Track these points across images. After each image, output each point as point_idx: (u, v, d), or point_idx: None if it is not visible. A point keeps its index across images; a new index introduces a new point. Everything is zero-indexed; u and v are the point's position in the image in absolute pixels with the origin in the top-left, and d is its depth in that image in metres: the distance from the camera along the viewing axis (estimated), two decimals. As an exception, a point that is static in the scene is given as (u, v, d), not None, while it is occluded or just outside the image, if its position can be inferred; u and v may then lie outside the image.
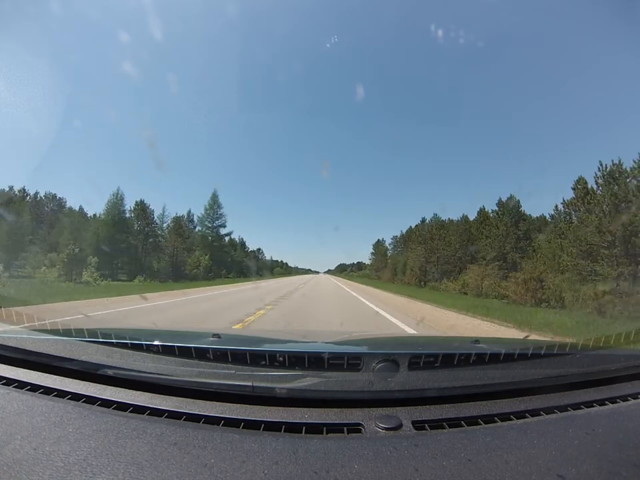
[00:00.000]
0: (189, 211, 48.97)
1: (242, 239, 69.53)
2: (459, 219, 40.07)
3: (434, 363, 1.14)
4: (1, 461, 0.70)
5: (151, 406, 0.94)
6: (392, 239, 63.48)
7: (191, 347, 1.17)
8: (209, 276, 40.22)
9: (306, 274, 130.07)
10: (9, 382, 1.05)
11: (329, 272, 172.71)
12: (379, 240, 72.32)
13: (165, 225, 42.13)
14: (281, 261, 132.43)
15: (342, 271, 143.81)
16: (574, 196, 21.18)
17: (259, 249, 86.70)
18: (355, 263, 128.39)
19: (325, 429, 0.87)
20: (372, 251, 73.19)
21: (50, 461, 0.70)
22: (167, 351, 1.15)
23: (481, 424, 0.91)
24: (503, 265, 27.88)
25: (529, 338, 4.54)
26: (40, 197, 47.86)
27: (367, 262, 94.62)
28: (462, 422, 0.91)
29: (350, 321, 8.14)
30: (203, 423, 0.88)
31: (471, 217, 37.77)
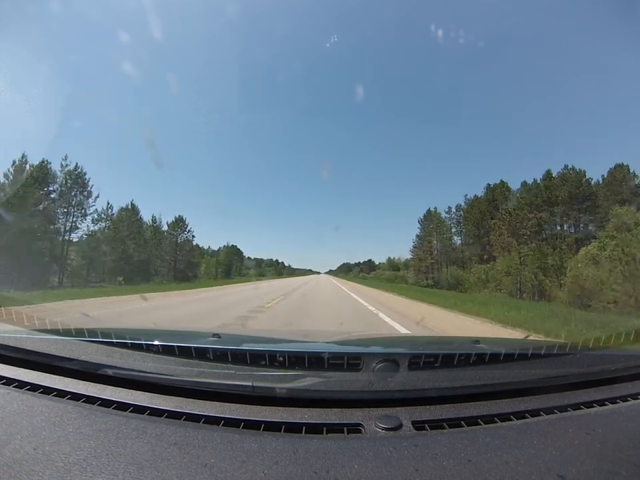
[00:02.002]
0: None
1: (132, 203, 37.43)
2: None
3: (434, 363, 1.14)
4: (1, 461, 0.70)
5: (150, 406, 0.94)
6: (448, 212, 36.57)
7: (191, 346, 1.17)
8: None
9: (305, 275, 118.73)
10: (9, 382, 1.05)
11: (330, 272, 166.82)
12: (430, 211, 39.51)
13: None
14: (276, 260, 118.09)
15: (347, 271, 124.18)
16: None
17: (187, 228, 44.15)
18: (361, 262, 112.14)
19: (325, 428, 0.87)
20: (418, 231, 40.57)
21: (50, 460, 0.70)
22: (166, 350, 1.15)
23: (481, 424, 0.91)
24: None
25: (529, 338, 4.54)
26: None
27: (379, 260, 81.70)
28: (462, 422, 0.91)
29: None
30: (203, 422, 0.88)
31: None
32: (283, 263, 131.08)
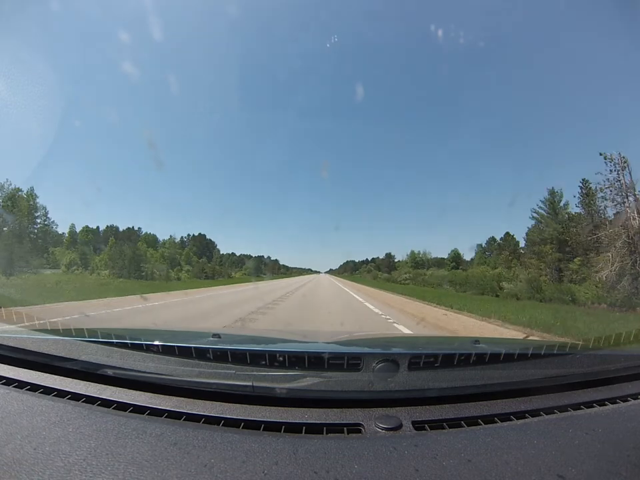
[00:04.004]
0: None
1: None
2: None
3: (434, 363, 1.14)
4: (1, 461, 0.70)
5: (150, 406, 0.94)
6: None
7: (190, 346, 1.17)
8: None
9: (302, 274, 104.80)
10: (9, 382, 1.05)
11: (330, 272, 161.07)
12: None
13: None
14: (268, 257, 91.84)
15: (352, 270, 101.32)
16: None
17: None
18: (370, 259, 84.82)
19: (325, 429, 0.87)
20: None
21: (50, 460, 0.70)
22: (166, 350, 1.15)
23: (480, 424, 0.91)
24: None
25: (529, 338, 4.54)
26: None
27: (400, 257, 59.29)
28: (462, 422, 0.91)
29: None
30: (203, 422, 0.88)
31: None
32: (277, 260, 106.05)
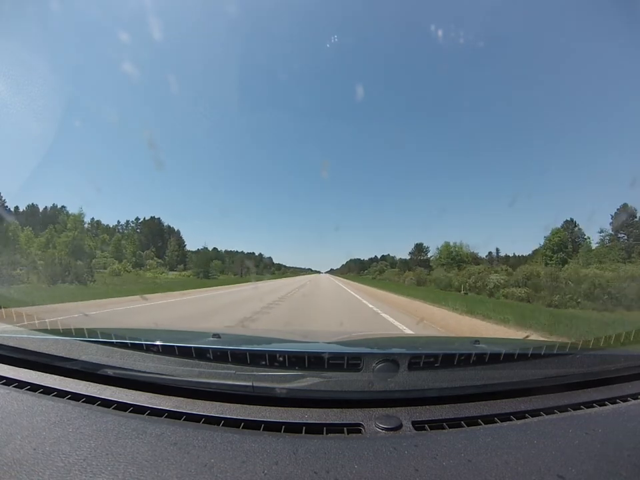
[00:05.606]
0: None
1: None
2: None
3: (434, 363, 1.14)
4: (1, 461, 0.70)
5: (150, 406, 0.94)
6: None
7: (191, 346, 1.17)
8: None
9: (299, 274, 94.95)
10: (9, 382, 1.06)
11: (331, 272, 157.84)
12: None
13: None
14: (260, 254, 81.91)
15: (359, 269, 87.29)
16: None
17: None
18: (380, 257, 72.02)
19: (325, 429, 0.87)
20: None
21: (50, 460, 0.70)
22: (167, 350, 1.15)
23: (480, 424, 0.91)
24: None
25: (529, 338, 4.54)
26: None
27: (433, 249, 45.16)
28: (462, 422, 0.91)
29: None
30: (202, 422, 0.88)
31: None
32: (270, 258, 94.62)
